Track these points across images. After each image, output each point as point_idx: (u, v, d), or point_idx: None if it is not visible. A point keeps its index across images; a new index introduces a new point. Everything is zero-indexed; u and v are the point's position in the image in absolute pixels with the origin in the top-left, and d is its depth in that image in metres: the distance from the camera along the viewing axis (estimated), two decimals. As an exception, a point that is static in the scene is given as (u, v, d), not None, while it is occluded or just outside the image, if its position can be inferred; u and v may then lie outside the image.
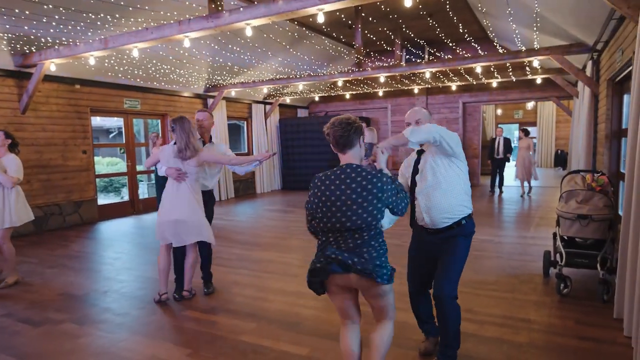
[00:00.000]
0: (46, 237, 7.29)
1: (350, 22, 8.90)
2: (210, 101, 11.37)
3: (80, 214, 8.50)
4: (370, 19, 8.82)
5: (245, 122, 13.30)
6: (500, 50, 8.12)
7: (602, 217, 3.80)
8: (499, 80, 10.58)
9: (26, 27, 6.35)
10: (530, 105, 19.28)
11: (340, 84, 10.22)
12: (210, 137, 4.44)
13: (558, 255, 4.23)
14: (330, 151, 2.54)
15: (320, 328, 3.47)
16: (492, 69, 9.90)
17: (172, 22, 5.66)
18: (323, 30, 9.90)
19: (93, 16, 6.45)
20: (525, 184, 10.80)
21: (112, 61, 8.09)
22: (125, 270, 5.26)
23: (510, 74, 10.03)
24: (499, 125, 11.83)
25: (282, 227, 7.86)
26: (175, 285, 4.28)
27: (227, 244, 6.51)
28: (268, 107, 13.61)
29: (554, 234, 4.32)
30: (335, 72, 9.54)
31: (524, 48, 7.76)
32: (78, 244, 6.82)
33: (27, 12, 5.87)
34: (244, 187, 12.85)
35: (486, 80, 10.71)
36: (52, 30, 6.55)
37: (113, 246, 6.59)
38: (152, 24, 6.41)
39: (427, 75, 9.00)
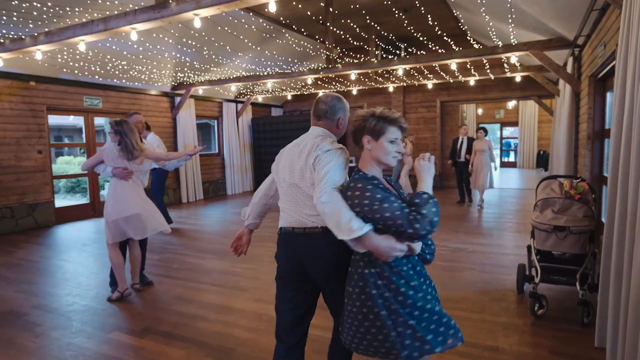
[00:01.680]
0: (-11, 244, 6.64)
1: (320, 18, 8.41)
2: (177, 99, 10.76)
3: (34, 217, 7.84)
4: (340, 15, 8.35)
5: (215, 121, 12.70)
6: (476, 47, 7.69)
7: (582, 228, 3.36)
8: (477, 78, 10.20)
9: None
10: (511, 104, 19.09)
11: (310, 81, 9.67)
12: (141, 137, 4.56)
13: (533, 269, 3.79)
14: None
15: (254, 357, 2.96)
16: (468, 66, 9.51)
17: (116, 12, 5.11)
18: (293, 27, 9.39)
19: (43, 7, 5.84)
20: (477, 192, 9.29)
21: (68, 57, 7.46)
22: (64, 282, 4.67)
23: (488, 71, 9.65)
24: (464, 124, 10.53)
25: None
26: (111, 281, 4.42)
27: (182, 251, 5.96)
28: (240, 105, 13.04)
29: (529, 247, 3.88)
30: (305, 70, 9.02)
31: (500, 44, 7.35)
32: (24, 251, 6.22)
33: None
34: (214, 189, 12.26)
35: (463, 79, 10.32)
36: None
37: (61, 253, 5.97)
38: (97, 15, 5.80)
39: (400, 72, 8.55)
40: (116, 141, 4.00)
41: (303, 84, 12.23)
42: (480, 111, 20.60)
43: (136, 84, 9.51)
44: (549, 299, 3.64)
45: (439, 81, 10.76)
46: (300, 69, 9.39)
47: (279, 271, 2.20)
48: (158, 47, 8.16)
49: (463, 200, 9.66)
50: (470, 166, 9.09)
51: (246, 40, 8.73)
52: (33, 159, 7.80)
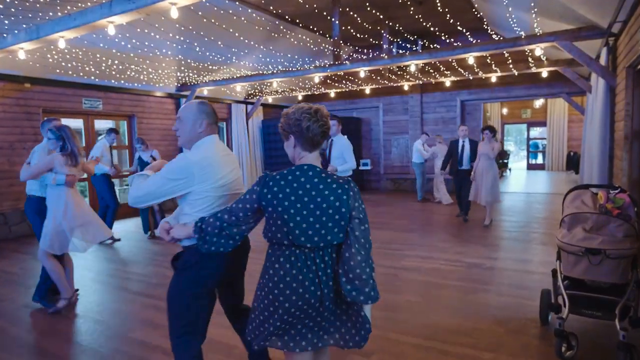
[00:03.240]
0: (-24, 253, 6.36)
1: (326, 13, 7.86)
2: (183, 101, 10.40)
3: (29, 224, 7.55)
4: (349, 10, 7.77)
5: (225, 124, 12.30)
6: (496, 37, 6.98)
7: (622, 252, 2.69)
8: (499, 74, 9.44)
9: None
10: (538, 103, 18.07)
11: (317, 80, 9.13)
12: None
13: (560, 297, 3.13)
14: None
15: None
16: (488, 61, 8.78)
17: (90, 4, 4.71)
18: (300, 24, 8.86)
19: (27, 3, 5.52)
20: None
21: (64, 57, 7.15)
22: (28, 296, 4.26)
23: (511, 67, 8.89)
24: (463, 124, 8.47)
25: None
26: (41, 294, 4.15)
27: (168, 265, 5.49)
28: (250, 107, 12.61)
29: (554, 272, 3.22)
30: (312, 68, 8.48)
31: (523, 34, 6.64)
32: (7, 260, 5.88)
33: None
34: (223, 194, 11.84)
35: (484, 75, 9.58)
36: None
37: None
38: (70, 9, 5.41)
39: (413, 68, 7.90)
40: (58, 147, 3.91)
41: (312, 83, 11.70)
42: (505, 110, 19.61)
43: (136, 84, 9.15)
44: (580, 336, 2.97)
45: (458, 78, 10.05)
46: (306, 66, 8.85)
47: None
48: (160, 46, 7.79)
49: (461, 215, 7.78)
50: (472, 173, 7.27)
51: (251, 39, 8.29)
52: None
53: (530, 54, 7.97)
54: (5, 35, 5.55)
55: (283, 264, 1.76)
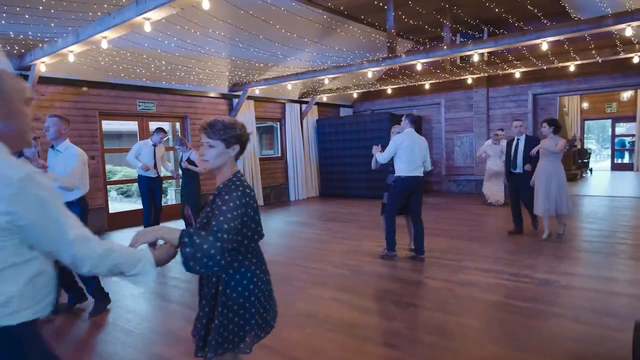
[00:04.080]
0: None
1: (382, 4, 7.32)
2: (235, 101, 10.35)
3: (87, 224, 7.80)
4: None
5: (278, 123, 12.15)
6: (575, 18, 6.06)
7: None
8: (579, 62, 8.33)
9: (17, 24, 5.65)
10: (626, 95, 16.10)
11: (370, 75, 8.62)
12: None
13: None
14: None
15: None
16: (565, 46, 7.75)
17: (126, 2, 4.61)
18: (354, 17, 8.39)
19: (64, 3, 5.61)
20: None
21: (113, 59, 7.28)
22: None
23: (594, 52, 7.79)
24: (518, 120, 6.58)
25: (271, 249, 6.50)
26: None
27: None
28: (305, 106, 12.35)
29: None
30: (364, 62, 7.99)
31: (610, 11, 5.68)
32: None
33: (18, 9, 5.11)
34: (277, 194, 11.68)
35: (561, 64, 8.51)
36: (34, 27, 5.80)
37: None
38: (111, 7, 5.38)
39: (476, 58, 7.14)
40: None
41: (367, 80, 11.18)
42: (585, 105, 17.75)
43: (187, 85, 9.16)
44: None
45: (530, 69, 9.03)
46: (358, 60, 8.37)
47: None
48: (209, 46, 7.71)
49: (520, 228, 6.53)
50: (532, 178, 6.11)
51: (303, 35, 7.97)
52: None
53: (617, 35, 6.90)
54: (56, 39, 5.66)
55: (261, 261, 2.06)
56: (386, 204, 5.40)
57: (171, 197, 11.39)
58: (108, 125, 15.12)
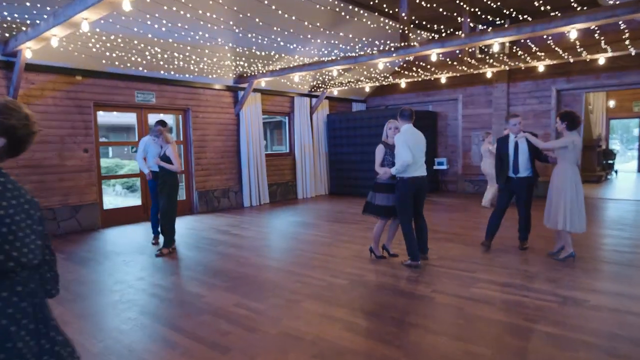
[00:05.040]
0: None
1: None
2: (240, 94, 9.91)
3: (78, 220, 7.47)
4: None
5: (287, 117, 11.68)
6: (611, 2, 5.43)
7: None
8: (610, 55, 7.64)
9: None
10: (656, 93, 15.17)
11: (381, 66, 8.03)
12: None
13: None
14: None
15: None
16: (597, 35, 7.08)
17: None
18: (365, 6, 7.84)
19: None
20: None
21: (104, 45, 6.89)
22: None
23: (627, 44, 7.10)
24: (514, 115, 5.45)
25: (242, 255, 6.03)
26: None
27: (189, 275, 4.84)
28: (315, 100, 11.85)
29: None
30: (375, 52, 7.44)
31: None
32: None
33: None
34: (283, 192, 11.22)
35: (590, 57, 7.83)
36: (14, 8, 5.44)
37: (77, 266, 5.25)
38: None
39: (497, 48, 6.52)
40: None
41: (380, 73, 10.60)
42: (612, 103, 16.81)
43: (189, 76, 8.71)
44: None
45: (555, 62, 8.35)
46: (368, 50, 7.82)
47: None
48: (211, 34, 7.29)
49: (489, 242, 5.56)
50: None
51: (312, 24, 7.47)
52: (78, 157, 7.39)
53: (655, 24, 6.23)
54: (38, 22, 5.27)
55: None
56: (375, 205, 5.04)
57: (181, 193, 11.01)
58: (116, 119, 14.94)
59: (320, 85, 11.49)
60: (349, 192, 11.70)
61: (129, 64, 7.64)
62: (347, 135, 11.75)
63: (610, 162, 15.67)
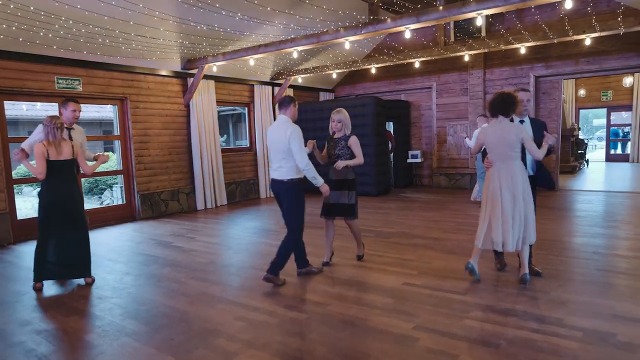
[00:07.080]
0: None
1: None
2: (189, 80, 8.70)
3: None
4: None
5: (246, 108, 10.55)
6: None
7: None
8: (596, 35, 6.89)
9: None
10: (628, 81, 14.85)
11: (347, 46, 7.03)
12: None
13: None
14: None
15: None
16: (589, 8, 6.32)
17: None
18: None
19: None
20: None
21: (31, 24, 5.58)
22: None
23: (620, 22, 6.37)
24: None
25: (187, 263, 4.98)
26: None
27: (137, 289, 3.72)
28: (277, 89, 10.76)
29: None
30: (341, 29, 6.44)
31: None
32: None
33: None
34: (243, 191, 10.11)
35: (575, 37, 7.09)
36: None
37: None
38: None
39: (480, 22, 5.65)
40: None
41: (351, 57, 9.63)
42: (582, 92, 16.46)
43: (120, 57, 7.32)
44: None
45: (538, 43, 7.55)
46: (334, 28, 6.80)
47: None
48: (169, 15, 6.11)
49: (501, 259, 4.34)
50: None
51: (270, 5, 6.42)
52: (-22, 158, 6.08)
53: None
54: None
55: None
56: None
57: (117, 195, 9.72)
58: (41, 111, 13.39)
59: (282, 72, 10.41)
60: (314, 189, 10.69)
61: (45, 45, 6.30)
62: (314, 127, 10.72)
63: (581, 152, 15.38)
